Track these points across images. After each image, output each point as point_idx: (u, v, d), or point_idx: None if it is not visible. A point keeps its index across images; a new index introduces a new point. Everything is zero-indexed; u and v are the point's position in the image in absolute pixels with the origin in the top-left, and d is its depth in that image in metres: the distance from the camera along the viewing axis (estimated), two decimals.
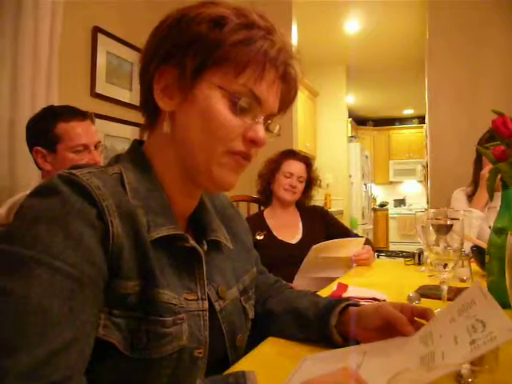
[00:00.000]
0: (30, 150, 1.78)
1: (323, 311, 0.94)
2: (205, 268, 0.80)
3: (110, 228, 0.65)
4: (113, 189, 0.70)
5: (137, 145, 0.83)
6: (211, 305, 0.82)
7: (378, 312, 0.87)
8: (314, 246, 2.04)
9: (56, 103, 2.04)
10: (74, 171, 0.68)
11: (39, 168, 1.80)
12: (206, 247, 0.85)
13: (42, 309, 0.56)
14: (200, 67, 0.73)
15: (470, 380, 0.73)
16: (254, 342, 0.96)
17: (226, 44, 0.71)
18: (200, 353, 0.75)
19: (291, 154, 2.57)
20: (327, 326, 0.91)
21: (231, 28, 0.72)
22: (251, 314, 0.96)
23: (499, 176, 1.20)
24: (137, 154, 0.81)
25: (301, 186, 2.50)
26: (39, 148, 1.75)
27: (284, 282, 1.19)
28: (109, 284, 0.66)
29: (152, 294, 0.69)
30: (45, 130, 1.73)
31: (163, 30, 0.76)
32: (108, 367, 0.66)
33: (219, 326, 0.84)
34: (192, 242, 0.78)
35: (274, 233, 2.42)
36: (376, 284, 1.62)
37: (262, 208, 2.67)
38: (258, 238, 2.38)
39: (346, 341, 0.91)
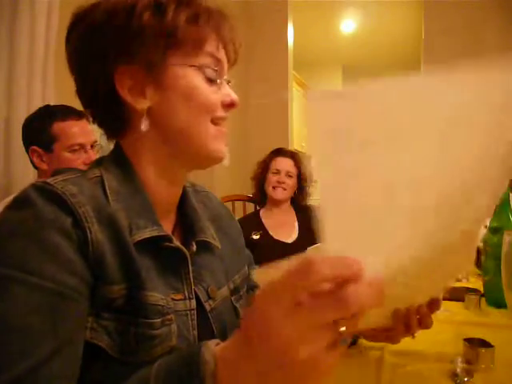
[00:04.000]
0: (26, 150, 1.77)
1: None
2: (190, 267, 0.80)
3: (89, 235, 0.65)
4: (91, 194, 0.69)
5: (119, 146, 0.82)
6: (201, 305, 0.82)
7: None
8: (309, 249, 2.04)
9: (52, 102, 2.03)
10: (48, 180, 0.67)
11: (35, 167, 1.80)
12: (194, 248, 0.84)
13: (22, 327, 0.56)
14: (163, 55, 0.74)
15: (465, 379, 0.73)
16: None
17: (177, 27, 0.73)
18: None
19: (278, 152, 2.60)
20: None
21: (173, 9, 0.73)
22: (242, 314, 0.95)
23: None
24: (118, 156, 0.80)
25: (290, 182, 2.50)
26: (35, 147, 1.74)
27: None
28: (94, 290, 0.65)
29: (139, 297, 0.68)
30: (41, 129, 1.73)
31: (99, 30, 0.74)
32: (98, 371, 0.66)
33: (210, 325, 0.83)
34: (176, 243, 0.77)
35: (270, 232, 2.42)
36: None
37: (258, 208, 2.67)
38: (254, 237, 2.38)
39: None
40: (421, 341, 0.97)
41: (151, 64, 0.73)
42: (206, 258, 0.87)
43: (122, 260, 0.68)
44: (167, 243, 0.76)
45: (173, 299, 0.75)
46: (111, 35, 0.72)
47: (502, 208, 1.28)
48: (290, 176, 2.49)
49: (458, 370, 0.74)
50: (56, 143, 1.72)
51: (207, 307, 0.83)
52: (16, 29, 2.05)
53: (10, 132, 2.04)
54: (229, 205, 2.80)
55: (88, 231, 0.65)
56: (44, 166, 1.75)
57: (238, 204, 2.84)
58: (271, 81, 4.11)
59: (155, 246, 0.74)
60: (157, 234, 0.74)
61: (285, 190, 2.48)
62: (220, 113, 0.79)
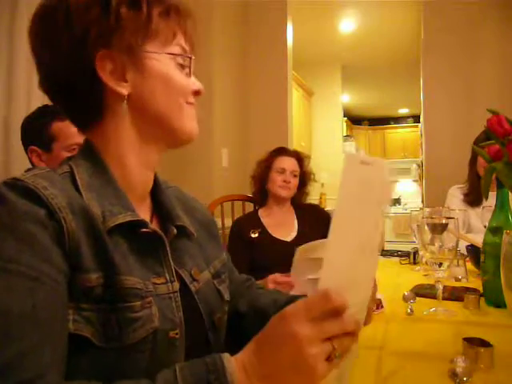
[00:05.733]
0: (25, 150, 1.77)
1: (283, 307, 0.95)
2: (169, 250, 0.81)
3: (64, 225, 0.66)
4: (61, 186, 0.70)
5: (87, 141, 0.83)
6: (186, 287, 0.84)
7: None
8: (299, 247, 2.05)
9: (51, 102, 2.04)
10: (18, 176, 0.68)
11: (33, 166, 1.80)
12: (175, 231, 0.86)
13: (3, 311, 0.57)
14: (140, 42, 0.78)
15: (465, 379, 0.73)
16: (232, 343, 0.97)
17: (151, 20, 0.78)
18: (176, 334, 0.76)
19: (281, 151, 2.58)
20: None
21: (146, 4, 0.78)
22: (226, 296, 0.96)
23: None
24: (88, 150, 0.81)
25: (295, 181, 2.50)
26: (34, 147, 1.74)
27: (254, 281, 1.18)
28: (72, 279, 0.66)
29: (115, 282, 0.69)
30: (40, 129, 1.73)
31: (74, 20, 0.75)
32: (85, 361, 0.67)
33: (197, 306, 0.85)
34: (152, 227, 0.78)
35: (269, 231, 2.42)
36: None
37: (257, 207, 2.66)
38: (253, 235, 2.37)
39: None
40: (420, 341, 0.97)
41: (130, 49, 0.77)
42: (185, 243, 0.90)
43: (96, 249, 0.69)
44: (143, 229, 0.77)
45: (154, 283, 0.76)
46: (88, 26, 0.74)
47: (501, 208, 1.28)
48: (295, 175, 2.50)
49: (458, 370, 0.74)
50: (55, 143, 1.73)
51: (193, 289, 0.85)
52: (15, 29, 2.05)
53: (9, 132, 2.04)
54: (228, 205, 2.80)
55: (63, 221, 0.66)
56: (43, 166, 1.74)
57: (238, 204, 2.84)
58: (270, 80, 4.11)
59: (131, 232, 0.76)
60: (131, 219, 0.75)
61: (290, 189, 2.48)
62: (191, 98, 0.85)
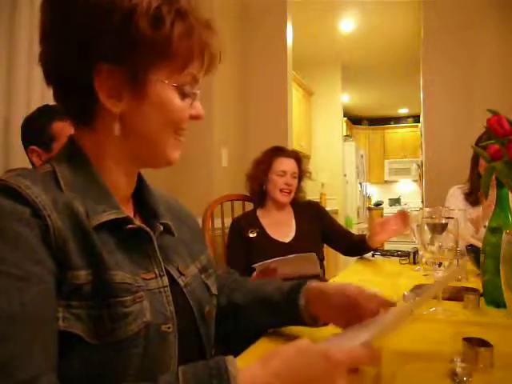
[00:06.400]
0: (25, 149, 1.77)
1: (289, 293, 0.98)
2: (156, 245, 0.81)
3: (50, 223, 0.66)
4: (44, 185, 0.70)
5: (72, 140, 0.83)
6: (175, 281, 0.84)
7: (343, 291, 0.91)
8: (257, 265, 2.18)
9: (51, 102, 2.03)
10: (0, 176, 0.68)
11: (34, 167, 1.80)
12: (162, 228, 0.87)
13: None
14: (149, 67, 0.74)
15: (464, 379, 0.73)
16: (230, 338, 0.98)
17: (171, 41, 0.74)
18: (169, 327, 0.76)
19: (280, 152, 2.53)
20: (296, 307, 0.95)
21: (170, 22, 0.73)
22: (214, 290, 0.98)
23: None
24: (71, 149, 0.81)
25: (295, 183, 2.48)
26: (34, 147, 1.74)
27: (237, 274, 1.20)
28: (61, 277, 0.66)
29: (105, 278, 0.69)
30: (40, 129, 1.73)
31: (94, 19, 0.71)
32: (77, 359, 0.66)
33: (186, 300, 0.86)
34: (137, 223, 0.79)
35: (268, 231, 2.40)
36: (371, 283, 1.62)
37: (255, 207, 2.64)
38: (251, 235, 2.36)
39: (315, 321, 0.95)
40: (420, 340, 0.97)
41: (135, 73, 0.74)
42: (170, 239, 0.90)
43: (83, 245, 0.69)
44: (129, 225, 0.77)
45: (144, 279, 0.76)
46: (103, 31, 0.71)
47: (500, 208, 1.28)
48: (295, 177, 2.47)
49: (458, 370, 0.74)
50: (55, 143, 1.72)
51: (181, 283, 0.86)
52: (15, 28, 2.05)
53: (9, 132, 2.04)
54: (228, 204, 2.80)
55: (48, 219, 0.66)
56: None
57: (238, 204, 2.84)
58: (270, 80, 4.11)
59: (118, 229, 0.76)
60: (115, 217, 0.75)
61: (291, 192, 2.46)
62: (184, 125, 0.82)
